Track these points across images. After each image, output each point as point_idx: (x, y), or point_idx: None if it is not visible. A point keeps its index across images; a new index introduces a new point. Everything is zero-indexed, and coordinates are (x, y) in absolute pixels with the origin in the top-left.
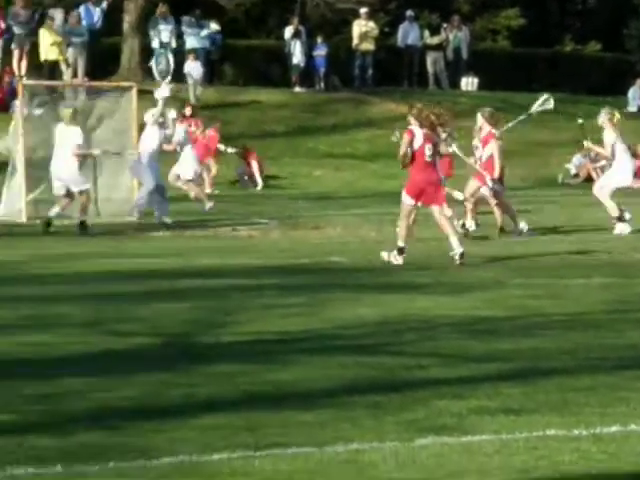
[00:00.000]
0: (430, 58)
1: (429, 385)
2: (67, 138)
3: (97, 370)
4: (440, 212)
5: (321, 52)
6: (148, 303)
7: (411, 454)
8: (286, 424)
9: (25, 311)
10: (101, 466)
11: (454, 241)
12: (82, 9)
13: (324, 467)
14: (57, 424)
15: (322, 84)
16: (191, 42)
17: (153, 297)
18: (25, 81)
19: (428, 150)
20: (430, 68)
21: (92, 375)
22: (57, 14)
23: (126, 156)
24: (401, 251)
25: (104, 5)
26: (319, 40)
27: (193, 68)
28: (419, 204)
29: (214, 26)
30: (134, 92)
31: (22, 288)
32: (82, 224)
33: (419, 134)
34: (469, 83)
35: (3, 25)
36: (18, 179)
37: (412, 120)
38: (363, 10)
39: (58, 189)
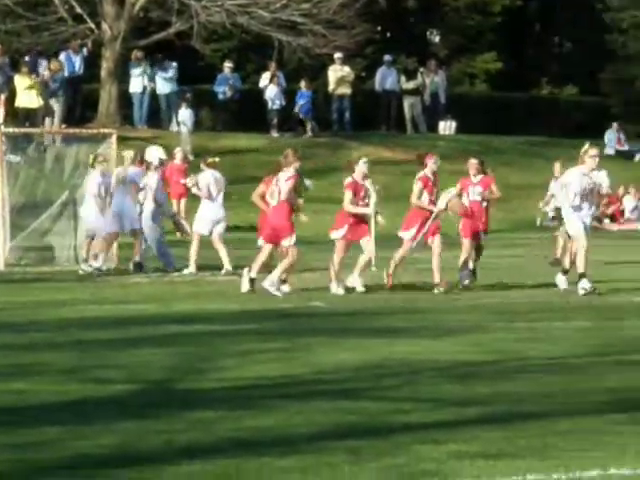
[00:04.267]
0: (407, 102)
1: (409, 430)
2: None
3: (75, 418)
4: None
5: (305, 99)
6: (128, 350)
7: None
8: (265, 470)
9: (3, 359)
10: None
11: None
12: (63, 56)
13: None
14: (33, 473)
15: (309, 130)
16: (161, 87)
17: (133, 344)
18: (3, 129)
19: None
20: (407, 112)
21: (70, 423)
22: (41, 61)
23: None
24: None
25: (84, 52)
26: (304, 85)
27: (186, 116)
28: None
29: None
30: (114, 139)
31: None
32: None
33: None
34: (447, 127)
35: None
36: None
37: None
38: (338, 55)
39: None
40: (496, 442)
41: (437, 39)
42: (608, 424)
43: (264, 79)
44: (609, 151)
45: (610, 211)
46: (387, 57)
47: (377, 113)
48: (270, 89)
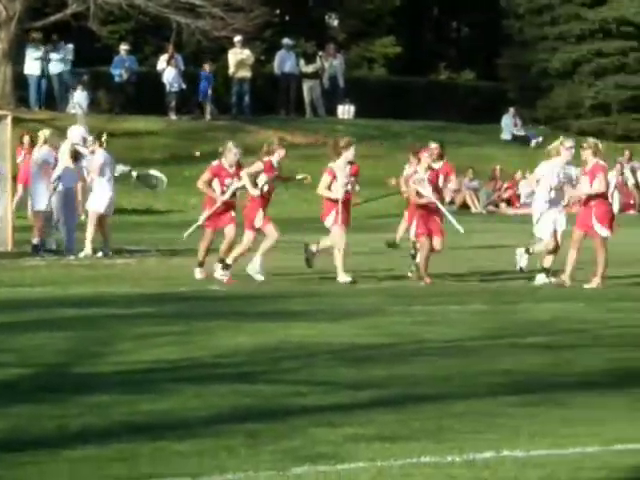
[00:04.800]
0: (306, 86)
1: (306, 413)
2: None
3: None
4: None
5: (207, 81)
6: (22, 333)
7: None
8: (161, 454)
9: None
10: None
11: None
12: None
13: None
14: None
15: (208, 113)
16: (54, 67)
17: (28, 327)
18: None
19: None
20: (307, 96)
21: None
22: None
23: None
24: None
25: None
26: (207, 68)
27: (82, 98)
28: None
29: (69, 47)
30: (9, 120)
31: None
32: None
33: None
34: (346, 111)
35: None
36: None
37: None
38: (237, 38)
39: None
40: (391, 425)
41: (336, 23)
42: (502, 406)
43: (162, 61)
44: (506, 136)
45: (507, 195)
46: (286, 41)
47: (276, 97)
48: (168, 72)
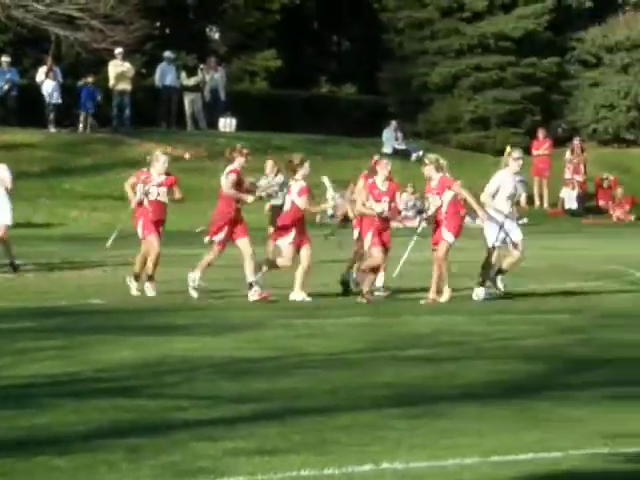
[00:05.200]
0: (187, 99)
1: (187, 427)
2: None
3: None
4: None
5: (89, 93)
6: None
7: None
8: (40, 469)
9: None
10: None
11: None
12: None
13: None
14: None
15: (88, 126)
16: None
17: None
18: None
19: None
20: (188, 109)
21: None
22: None
23: None
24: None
25: None
26: (90, 80)
27: None
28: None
29: None
30: None
31: None
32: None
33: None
34: (227, 124)
35: None
36: None
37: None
38: (118, 51)
39: None
40: (272, 438)
41: (217, 36)
42: (385, 418)
43: (40, 74)
44: (387, 149)
45: None
46: (167, 53)
47: (157, 109)
48: (47, 84)
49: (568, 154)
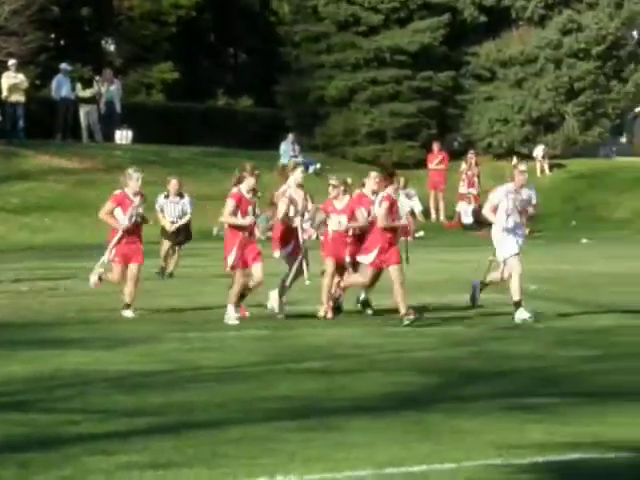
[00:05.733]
0: (83, 111)
1: (80, 441)
2: None
3: None
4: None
5: None
6: None
7: None
8: None
9: None
10: None
11: None
12: None
13: None
14: None
15: None
16: None
17: None
18: None
19: None
20: (83, 121)
21: None
22: None
23: None
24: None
25: None
26: None
27: None
28: None
29: None
30: None
31: None
32: None
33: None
34: (123, 136)
35: None
36: None
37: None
38: (11, 62)
39: None
40: (166, 452)
41: (112, 48)
42: (278, 431)
43: None
44: (284, 162)
45: None
46: (63, 65)
47: (53, 121)
48: None
49: (463, 167)
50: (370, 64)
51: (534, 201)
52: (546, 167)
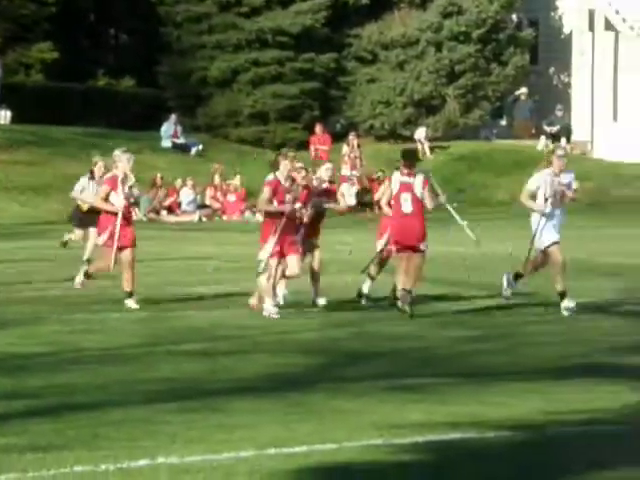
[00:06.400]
0: None
1: None
2: None
3: None
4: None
5: None
6: None
7: None
8: None
9: None
10: None
11: None
12: None
13: None
14: None
15: None
16: None
17: None
18: None
19: None
20: None
21: None
22: None
23: None
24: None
25: None
26: None
27: None
28: None
29: None
30: None
31: None
32: None
33: None
34: (2, 117)
35: None
36: None
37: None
38: None
39: None
40: (46, 434)
41: None
42: (160, 413)
43: None
44: (166, 144)
45: (167, 203)
46: None
47: None
48: None
49: (345, 149)
50: (252, 45)
51: (575, 186)
52: (427, 149)
